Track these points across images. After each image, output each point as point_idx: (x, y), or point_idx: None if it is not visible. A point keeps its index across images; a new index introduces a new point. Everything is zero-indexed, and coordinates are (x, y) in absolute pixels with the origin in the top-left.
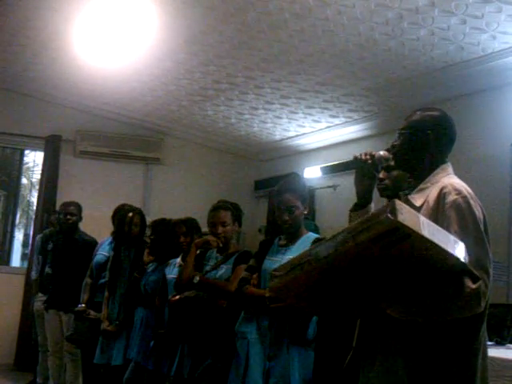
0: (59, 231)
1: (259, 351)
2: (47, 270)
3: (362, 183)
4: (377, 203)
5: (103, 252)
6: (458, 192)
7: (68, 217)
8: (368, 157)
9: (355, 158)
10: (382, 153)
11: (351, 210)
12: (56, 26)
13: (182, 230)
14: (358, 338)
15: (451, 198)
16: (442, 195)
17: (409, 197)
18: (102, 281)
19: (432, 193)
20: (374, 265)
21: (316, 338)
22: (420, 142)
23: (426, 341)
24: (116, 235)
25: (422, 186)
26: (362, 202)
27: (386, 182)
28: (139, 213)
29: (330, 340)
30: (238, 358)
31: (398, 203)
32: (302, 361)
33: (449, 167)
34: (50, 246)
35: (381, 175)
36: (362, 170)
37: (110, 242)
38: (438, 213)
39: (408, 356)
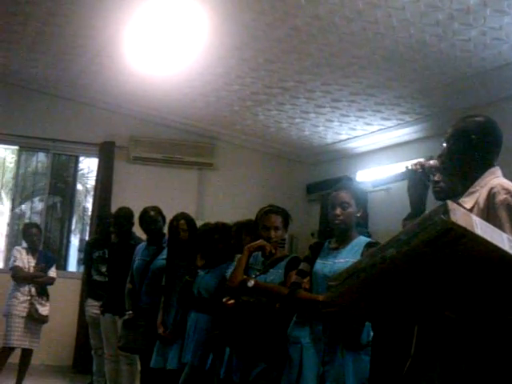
0: (106, 238)
1: (313, 356)
2: (95, 276)
3: (415, 193)
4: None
5: (141, 257)
6: (508, 191)
7: (118, 225)
8: (418, 167)
9: (406, 169)
10: (431, 162)
11: (405, 219)
12: (108, 34)
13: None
14: (417, 345)
15: (501, 197)
16: (491, 195)
17: (459, 201)
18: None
19: (482, 194)
20: (430, 269)
21: (371, 342)
22: (465, 147)
23: (490, 346)
24: (155, 241)
25: (471, 189)
26: (416, 210)
27: (442, 184)
28: (185, 218)
29: (386, 346)
30: (291, 362)
31: (451, 204)
32: (357, 365)
33: (497, 170)
34: (96, 254)
35: (436, 178)
36: (414, 179)
37: (146, 247)
38: (489, 213)
39: (472, 362)
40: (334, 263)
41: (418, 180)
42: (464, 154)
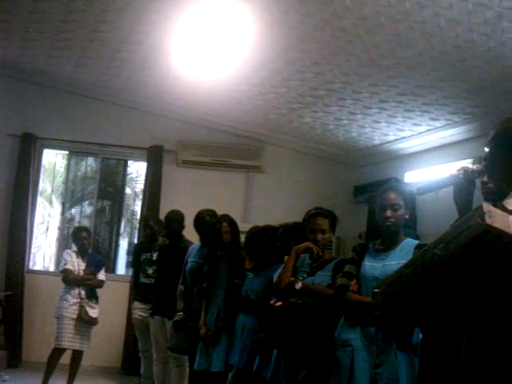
0: (151, 241)
1: (365, 358)
2: (142, 279)
3: (461, 198)
4: None
5: (194, 259)
6: None
7: (170, 228)
8: (462, 172)
9: (450, 175)
10: (474, 166)
11: (452, 225)
12: (155, 39)
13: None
14: (466, 350)
15: None
16: None
17: (503, 202)
18: (196, 289)
19: None
20: (470, 273)
21: (421, 344)
22: (508, 149)
23: None
24: (210, 244)
25: None
26: (463, 216)
27: (490, 185)
28: (227, 220)
29: (435, 348)
30: (341, 366)
31: (486, 206)
32: (409, 367)
33: None
34: (143, 257)
35: (485, 179)
36: (459, 185)
37: (200, 249)
38: None
39: None
40: (384, 265)
41: (462, 185)
42: (507, 156)
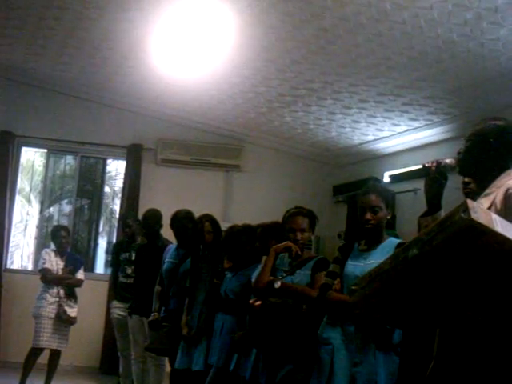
0: (130, 240)
1: (345, 357)
2: (121, 278)
3: (431, 190)
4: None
5: (170, 259)
6: None
7: (147, 226)
8: (435, 164)
9: (423, 166)
10: (448, 160)
11: (421, 216)
12: (135, 38)
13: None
14: (439, 348)
15: None
16: (507, 196)
17: (467, 199)
18: (172, 289)
19: (498, 195)
20: (452, 269)
21: (401, 343)
22: (483, 149)
23: None
24: (187, 244)
25: (487, 190)
26: (432, 208)
27: (471, 186)
28: (209, 219)
29: (413, 347)
30: (322, 364)
31: (470, 202)
32: (388, 366)
33: None
34: (122, 256)
35: (466, 179)
36: (431, 177)
37: (176, 249)
38: (506, 213)
39: (496, 363)
40: (365, 264)
41: (434, 178)
42: (481, 156)
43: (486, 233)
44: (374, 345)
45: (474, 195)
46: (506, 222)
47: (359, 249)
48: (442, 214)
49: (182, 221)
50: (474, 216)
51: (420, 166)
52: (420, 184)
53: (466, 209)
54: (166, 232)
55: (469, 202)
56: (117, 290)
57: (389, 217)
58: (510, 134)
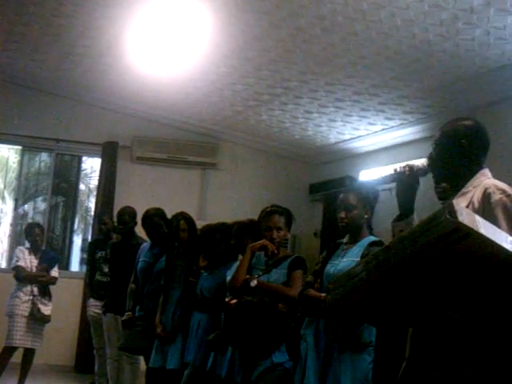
0: (106, 238)
1: (315, 354)
2: (97, 277)
3: (404, 195)
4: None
5: (144, 258)
6: (503, 191)
7: (123, 223)
8: (407, 168)
9: (395, 171)
10: (420, 164)
11: (394, 221)
12: (112, 35)
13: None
14: (412, 348)
15: (496, 197)
16: (486, 195)
17: (453, 201)
18: (147, 288)
19: (476, 194)
20: (434, 270)
21: (375, 342)
22: (455, 150)
23: (492, 345)
24: (161, 242)
25: (464, 190)
26: (405, 212)
27: (444, 185)
28: (184, 218)
29: (387, 347)
30: (300, 360)
31: (456, 204)
32: (355, 365)
33: (487, 171)
34: (98, 255)
35: None
36: (402, 182)
37: (150, 248)
38: (484, 213)
39: (473, 363)
40: (340, 262)
41: (406, 182)
42: (453, 157)
43: (471, 235)
44: (339, 344)
45: (447, 194)
46: (488, 224)
47: (342, 248)
48: (415, 217)
49: (153, 218)
50: (460, 218)
51: (396, 165)
52: (381, 185)
53: (453, 211)
54: (141, 231)
55: (455, 203)
56: (93, 288)
57: (367, 216)
58: (481, 134)
